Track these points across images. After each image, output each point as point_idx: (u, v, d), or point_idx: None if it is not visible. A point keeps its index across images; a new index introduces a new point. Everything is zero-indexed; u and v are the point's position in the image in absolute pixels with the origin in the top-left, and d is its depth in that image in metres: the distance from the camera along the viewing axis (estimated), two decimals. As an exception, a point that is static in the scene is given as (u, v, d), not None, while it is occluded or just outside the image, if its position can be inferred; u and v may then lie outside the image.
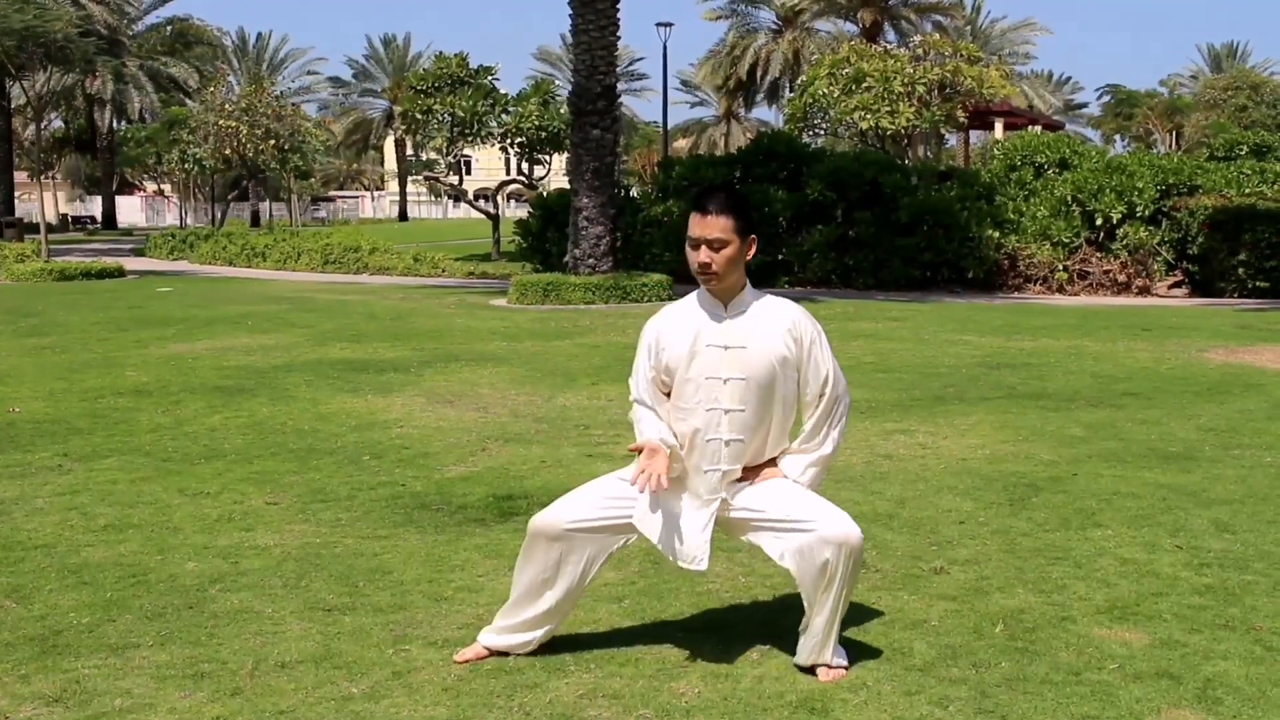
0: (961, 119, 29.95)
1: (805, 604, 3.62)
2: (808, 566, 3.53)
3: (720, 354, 3.58)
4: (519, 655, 3.79)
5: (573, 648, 3.87)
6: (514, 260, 27.08)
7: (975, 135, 44.04)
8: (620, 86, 20.29)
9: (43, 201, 28.64)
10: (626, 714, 3.41)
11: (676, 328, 3.67)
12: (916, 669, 3.70)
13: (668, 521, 3.61)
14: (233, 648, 3.93)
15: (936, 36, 34.95)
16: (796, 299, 3.95)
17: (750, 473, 3.68)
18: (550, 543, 3.67)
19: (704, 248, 3.55)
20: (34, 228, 34.50)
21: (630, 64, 74.28)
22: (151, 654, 3.88)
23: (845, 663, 3.67)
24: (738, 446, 3.61)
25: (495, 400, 8.75)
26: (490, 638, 3.82)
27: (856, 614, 4.17)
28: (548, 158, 31.33)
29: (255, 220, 56.82)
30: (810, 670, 3.64)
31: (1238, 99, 55.58)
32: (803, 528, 3.52)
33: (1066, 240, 19.90)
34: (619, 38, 18.70)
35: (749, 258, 3.63)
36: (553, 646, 3.86)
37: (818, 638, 3.61)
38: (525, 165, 31.35)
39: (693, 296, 3.72)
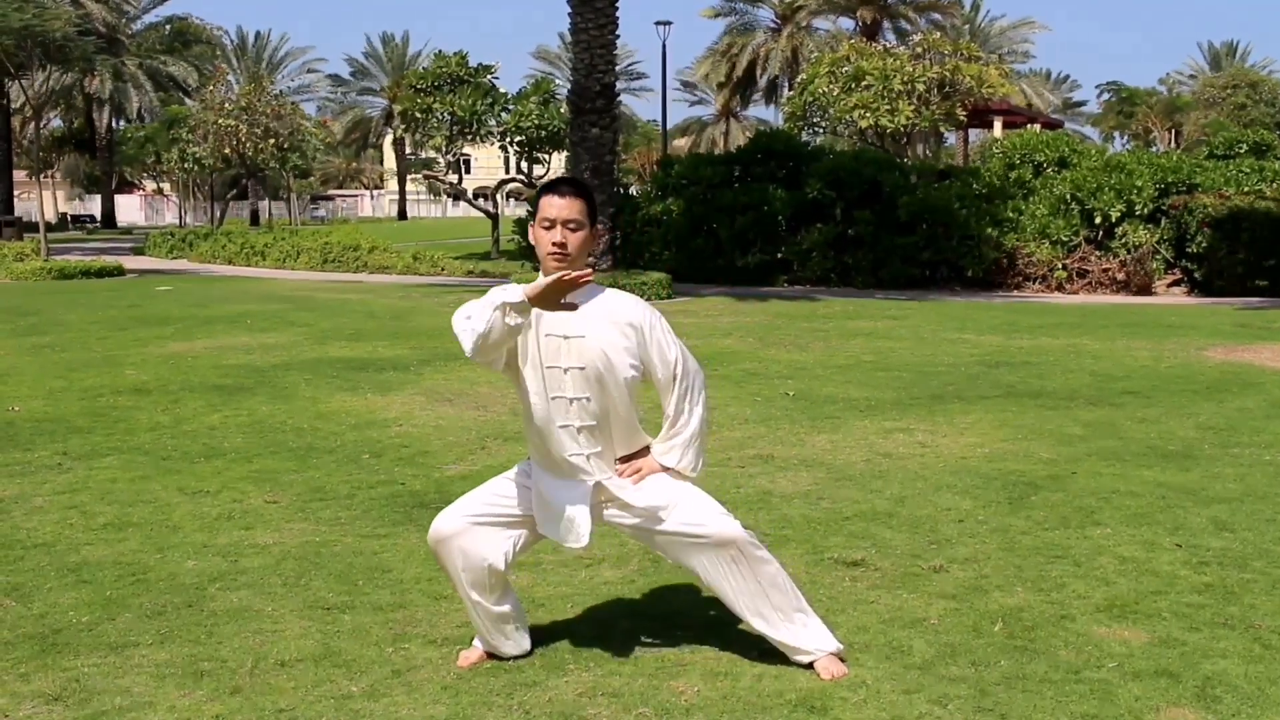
0: (961, 117, 29.96)
1: (744, 617, 3.68)
2: (712, 574, 3.61)
3: (560, 343, 3.57)
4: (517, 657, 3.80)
5: (572, 646, 3.87)
6: (513, 259, 27.07)
7: (974, 134, 44.10)
8: (619, 85, 20.28)
9: (42, 200, 28.61)
10: (626, 712, 3.41)
11: None
12: (916, 667, 3.70)
13: (553, 508, 3.62)
14: (232, 646, 3.93)
15: (936, 35, 34.94)
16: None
17: (625, 461, 3.69)
18: (450, 542, 3.65)
19: (559, 228, 3.56)
20: (33, 227, 34.51)
21: (629, 63, 74.36)
22: (151, 652, 3.88)
23: (833, 646, 3.67)
24: (592, 431, 3.60)
25: (494, 398, 8.75)
26: (483, 641, 3.82)
27: (856, 612, 4.19)
28: (547, 156, 31.31)
29: (254, 219, 56.74)
30: (809, 667, 3.64)
31: (1237, 97, 55.60)
32: (692, 538, 3.58)
33: (1065, 239, 19.90)
34: (618, 36, 18.72)
35: (597, 249, 3.61)
36: (552, 645, 3.86)
37: (782, 641, 3.66)
38: (524, 164, 31.33)
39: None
